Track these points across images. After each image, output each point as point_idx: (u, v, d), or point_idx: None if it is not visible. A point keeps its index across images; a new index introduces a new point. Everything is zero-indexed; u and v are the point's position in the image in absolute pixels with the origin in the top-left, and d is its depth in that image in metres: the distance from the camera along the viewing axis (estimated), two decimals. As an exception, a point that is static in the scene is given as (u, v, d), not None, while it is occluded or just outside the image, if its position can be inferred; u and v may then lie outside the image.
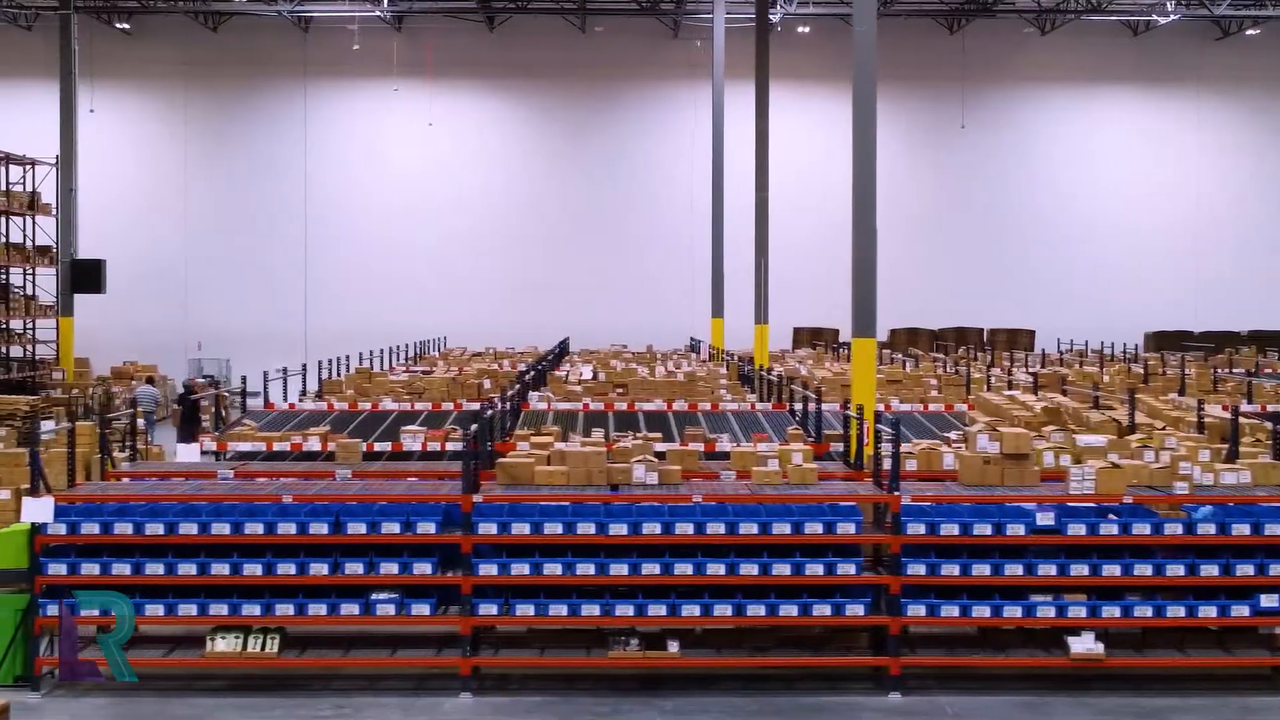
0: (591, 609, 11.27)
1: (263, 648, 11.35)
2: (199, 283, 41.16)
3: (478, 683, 11.53)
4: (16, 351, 35.51)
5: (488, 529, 11.28)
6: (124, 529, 11.26)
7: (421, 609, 11.31)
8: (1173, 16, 38.83)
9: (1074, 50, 41.47)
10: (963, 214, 41.37)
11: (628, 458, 12.22)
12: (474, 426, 11.92)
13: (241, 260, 41.30)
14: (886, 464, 11.81)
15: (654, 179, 41.91)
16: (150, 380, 28.49)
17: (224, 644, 11.34)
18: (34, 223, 36.53)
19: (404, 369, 27.66)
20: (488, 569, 11.27)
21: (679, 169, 41.77)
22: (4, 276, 35.33)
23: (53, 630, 11.49)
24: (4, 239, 35.09)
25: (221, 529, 11.23)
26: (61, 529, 11.26)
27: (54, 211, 36.62)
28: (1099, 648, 11.28)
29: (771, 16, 40.06)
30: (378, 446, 15.32)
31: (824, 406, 17.95)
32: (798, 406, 18.84)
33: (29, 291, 36.04)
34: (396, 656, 11.65)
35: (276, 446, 15.28)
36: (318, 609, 11.28)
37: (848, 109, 41.12)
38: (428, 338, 38.82)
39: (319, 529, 11.25)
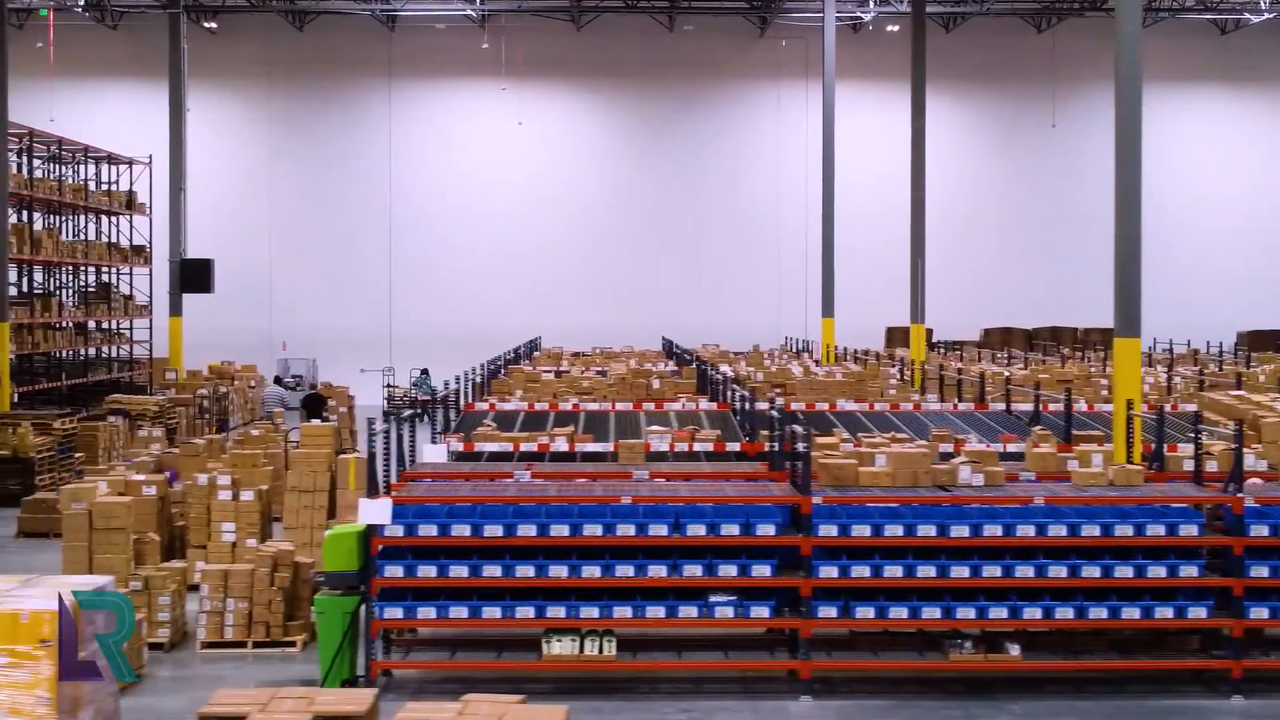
0: (933, 611, 11.16)
1: (600, 650, 11.22)
2: (283, 283, 40.88)
3: (805, 686, 11.41)
4: (115, 352, 35.36)
5: (828, 531, 11.17)
6: (461, 531, 11.13)
7: (761, 611, 11.19)
8: (1267, 15, 38.80)
9: (1163, 49, 41.28)
10: (1054, 212, 41.29)
11: (938, 458, 12.12)
12: (793, 428, 11.80)
13: (325, 260, 41.10)
14: (1192, 464, 11.80)
15: (741, 178, 41.80)
16: (278, 380, 28.37)
17: (560, 646, 11.22)
18: (131, 222, 36.43)
19: (530, 368, 27.49)
20: (828, 571, 11.15)
21: (766, 168, 41.73)
22: (105, 276, 35.23)
23: (389, 633, 11.38)
24: (107, 239, 35.04)
25: (561, 530, 11.11)
26: (398, 531, 11.13)
27: (148, 211, 36.49)
28: None
29: (864, 15, 40.12)
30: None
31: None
32: (997, 405, 18.78)
33: (125, 291, 35.93)
34: (730, 659, 11.55)
35: (524, 447, 15.16)
36: (656, 611, 11.16)
37: (942, 109, 40.50)
38: (514, 338, 38.65)
39: (659, 530, 11.13)
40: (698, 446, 15.19)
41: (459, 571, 11.12)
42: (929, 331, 39.78)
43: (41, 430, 21.99)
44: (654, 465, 13.35)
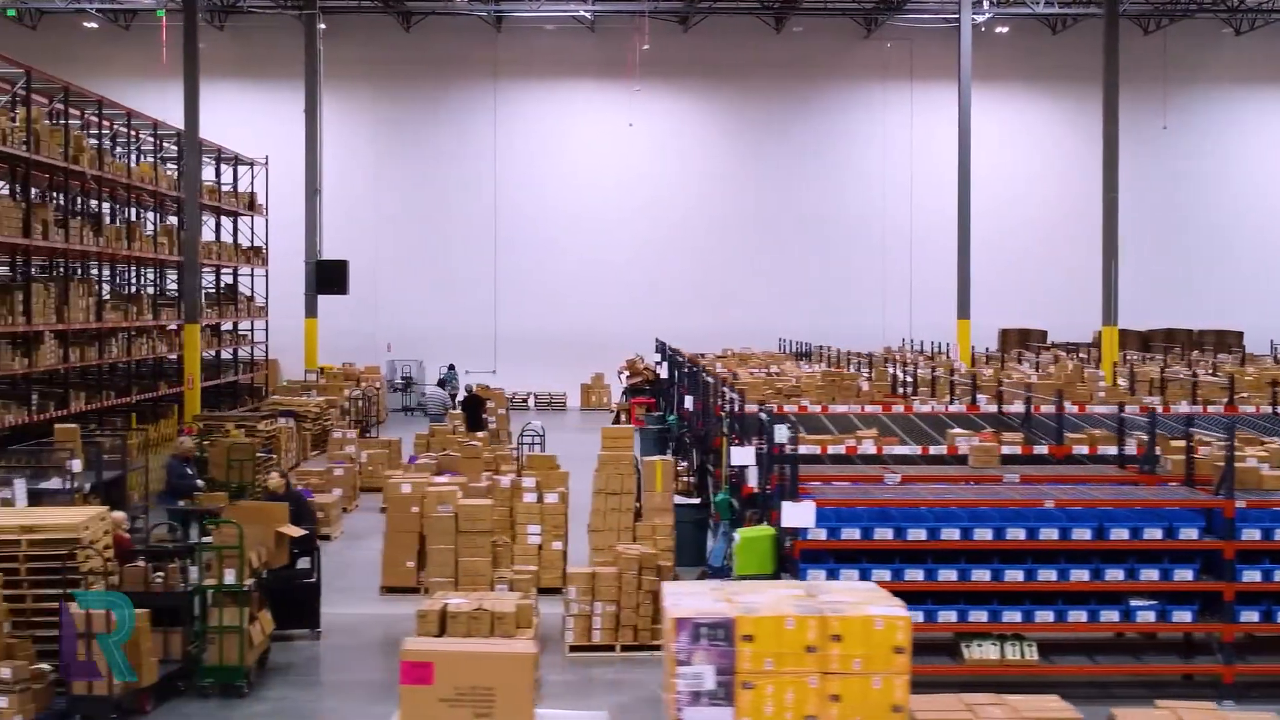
0: (1356, 615, 11.10)
1: (1021, 655, 11.14)
2: (388, 284, 40.68)
3: (1226, 690, 11.31)
4: (236, 353, 35.23)
5: (1250, 535, 11.10)
6: (884, 534, 11.05)
7: (1183, 616, 11.13)
8: None
9: (1273, 49, 41.42)
10: (1165, 214, 41.26)
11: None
12: (1226, 433, 11.72)
13: (430, 261, 40.98)
14: None
15: (845, 179, 41.75)
16: (441, 384, 28.34)
17: (981, 650, 11.14)
18: (251, 224, 36.31)
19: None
20: (1250, 575, 11.08)
21: (872, 169, 41.68)
22: (230, 277, 35.13)
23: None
24: (233, 239, 34.90)
25: (984, 534, 11.03)
26: (821, 534, 11.04)
27: (265, 211, 36.37)
28: None
29: (977, 16, 40.02)
30: (932, 449, 15.06)
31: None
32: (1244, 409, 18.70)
33: (246, 292, 35.81)
34: (1143, 663, 11.47)
35: (831, 449, 15.03)
36: (1077, 615, 11.09)
37: (1046, 111, 40.36)
38: (621, 340, 38.49)
39: (1081, 534, 11.06)
40: (1004, 450, 15.06)
41: (881, 575, 11.01)
42: (1043, 334, 39.81)
43: (247, 432, 21.88)
44: (1018, 468, 13.27)
